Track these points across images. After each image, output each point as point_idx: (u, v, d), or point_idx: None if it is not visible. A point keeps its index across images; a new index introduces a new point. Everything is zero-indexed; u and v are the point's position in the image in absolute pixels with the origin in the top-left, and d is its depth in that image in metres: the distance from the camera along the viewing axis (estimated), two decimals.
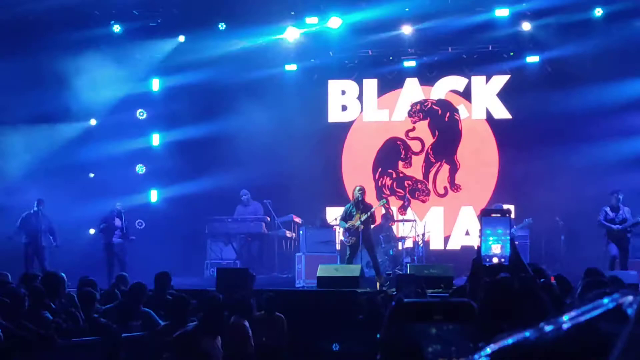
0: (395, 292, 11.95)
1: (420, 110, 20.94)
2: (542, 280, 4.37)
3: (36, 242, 17.17)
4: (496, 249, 3.21)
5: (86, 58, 18.84)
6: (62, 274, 10.38)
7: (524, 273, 3.13)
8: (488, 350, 1.23)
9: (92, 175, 20.59)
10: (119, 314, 10.46)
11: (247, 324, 9.94)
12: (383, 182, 21.03)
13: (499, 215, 3.20)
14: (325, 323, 13.19)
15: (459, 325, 1.31)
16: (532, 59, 20.14)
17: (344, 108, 21.48)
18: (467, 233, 20.18)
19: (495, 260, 3.17)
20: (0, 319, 8.48)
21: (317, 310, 13.52)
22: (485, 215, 3.17)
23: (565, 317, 1.09)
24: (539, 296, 2.91)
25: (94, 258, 17.35)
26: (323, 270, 14.98)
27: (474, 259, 3.24)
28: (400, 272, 16.07)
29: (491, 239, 3.18)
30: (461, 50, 20.47)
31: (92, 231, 19.53)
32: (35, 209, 17.23)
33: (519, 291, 2.90)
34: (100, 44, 19.23)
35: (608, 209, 16.26)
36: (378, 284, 15.33)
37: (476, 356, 1.25)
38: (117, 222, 17.88)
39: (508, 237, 3.23)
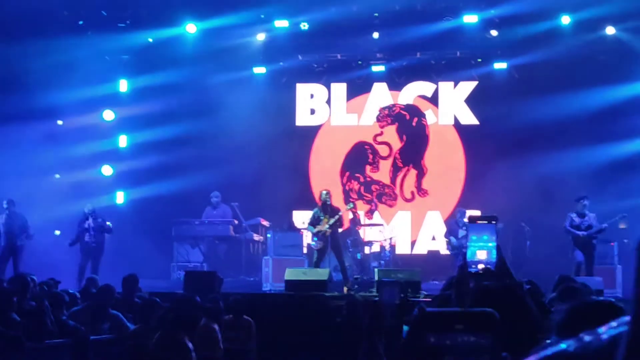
0: (377, 298, 11.98)
1: (388, 115, 21.00)
2: (527, 286, 4.41)
3: (12, 243, 16.99)
4: (482, 255, 3.23)
5: (54, 58, 18.66)
6: (33, 276, 10.29)
7: (510, 279, 3.15)
8: None
9: (57, 176, 20.39)
10: (87, 317, 10.37)
11: (217, 327, 9.89)
12: (351, 186, 21.05)
13: (485, 222, 3.22)
14: (293, 326, 13.19)
15: (480, 335, 1.32)
16: (500, 65, 20.31)
17: (312, 112, 21.46)
18: (434, 238, 20.26)
19: (481, 266, 3.20)
20: None
21: (285, 314, 13.53)
22: (471, 222, 3.19)
23: (600, 330, 1.10)
24: (526, 302, 2.94)
25: (59, 259, 17.14)
26: (291, 274, 14.98)
27: (460, 265, 3.26)
28: (368, 277, 16.17)
29: (477, 245, 3.20)
30: (429, 55, 20.58)
31: (57, 232, 19.35)
32: (6, 209, 17.05)
33: (506, 298, 2.92)
34: (68, 44, 19.02)
35: (574, 215, 16.33)
36: (345, 288, 15.37)
37: None
38: (88, 224, 17.60)
39: (494, 244, 3.25)
